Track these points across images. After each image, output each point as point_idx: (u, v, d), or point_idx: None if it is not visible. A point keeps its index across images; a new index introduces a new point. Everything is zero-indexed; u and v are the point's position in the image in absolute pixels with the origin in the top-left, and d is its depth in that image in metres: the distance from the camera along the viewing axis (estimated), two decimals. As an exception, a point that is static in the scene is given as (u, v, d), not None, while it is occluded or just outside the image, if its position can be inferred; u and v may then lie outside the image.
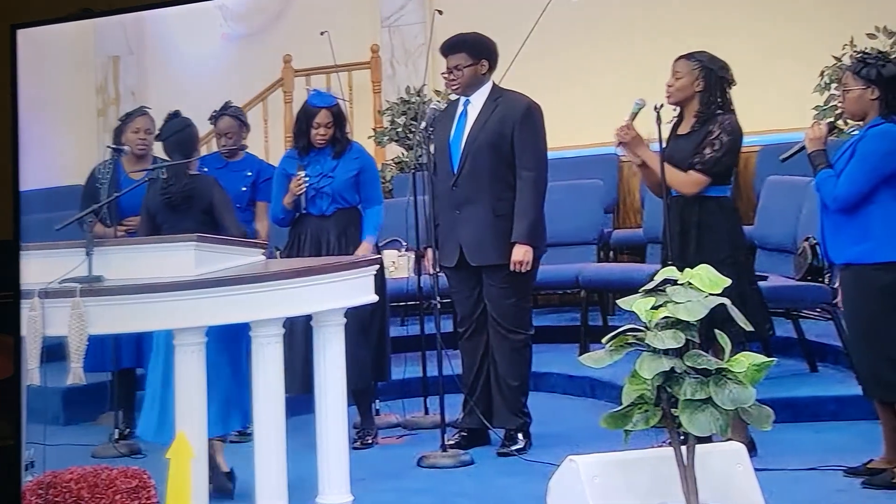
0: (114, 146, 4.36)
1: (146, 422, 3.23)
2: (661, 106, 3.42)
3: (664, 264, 3.49)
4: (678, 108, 3.53)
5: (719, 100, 3.49)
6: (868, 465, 3.29)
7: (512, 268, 3.74)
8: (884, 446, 3.28)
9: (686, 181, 3.43)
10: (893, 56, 5.19)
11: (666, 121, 3.49)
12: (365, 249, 3.97)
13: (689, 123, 3.51)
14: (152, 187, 3.79)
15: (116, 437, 4.17)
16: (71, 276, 2.83)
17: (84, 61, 7.50)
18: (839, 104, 3.27)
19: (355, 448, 3.86)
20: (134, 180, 4.19)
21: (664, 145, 3.47)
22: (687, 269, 2.55)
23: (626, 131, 3.47)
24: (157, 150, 4.48)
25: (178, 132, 3.63)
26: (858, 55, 3.30)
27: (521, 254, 3.73)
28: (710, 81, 3.48)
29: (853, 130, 3.33)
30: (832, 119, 3.42)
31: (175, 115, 3.71)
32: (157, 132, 4.37)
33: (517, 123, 3.77)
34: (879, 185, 3.16)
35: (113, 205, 4.13)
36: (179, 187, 3.55)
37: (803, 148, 3.30)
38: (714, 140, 3.45)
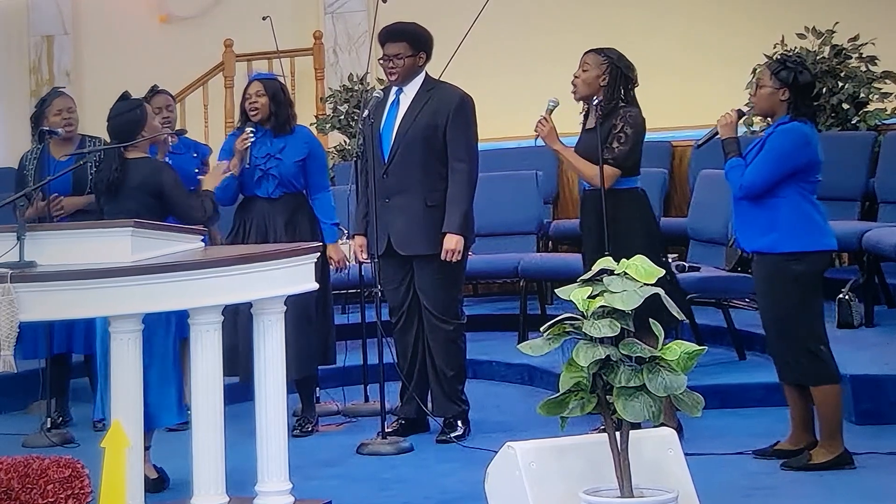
0: (47, 129, 4.24)
1: (101, 406, 3.20)
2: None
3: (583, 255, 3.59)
4: (584, 103, 3.61)
5: (622, 95, 3.57)
6: (775, 447, 3.40)
7: (444, 257, 3.76)
8: (791, 428, 3.39)
9: (598, 175, 3.50)
10: (820, 57, 5.38)
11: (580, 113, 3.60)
12: (335, 250, 3.98)
13: (594, 118, 3.60)
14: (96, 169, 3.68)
15: (48, 426, 4.10)
16: (1, 260, 2.75)
17: (17, 41, 7.26)
18: (750, 97, 3.36)
19: (295, 436, 3.86)
20: (62, 163, 4.08)
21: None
22: (623, 260, 2.60)
23: (542, 125, 3.55)
24: (85, 128, 4.38)
25: (115, 117, 3.48)
26: (780, 56, 3.41)
27: (453, 243, 3.76)
28: (615, 77, 3.55)
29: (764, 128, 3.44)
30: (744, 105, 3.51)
31: (122, 98, 3.54)
32: (77, 110, 4.26)
33: (451, 115, 3.79)
34: (786, 179, 3.26)
35: (45, 190, 4.01)
36: (107, 174, 3.43)
37: (717, 134, 3.38)
38: (619, 133, 3.53)
